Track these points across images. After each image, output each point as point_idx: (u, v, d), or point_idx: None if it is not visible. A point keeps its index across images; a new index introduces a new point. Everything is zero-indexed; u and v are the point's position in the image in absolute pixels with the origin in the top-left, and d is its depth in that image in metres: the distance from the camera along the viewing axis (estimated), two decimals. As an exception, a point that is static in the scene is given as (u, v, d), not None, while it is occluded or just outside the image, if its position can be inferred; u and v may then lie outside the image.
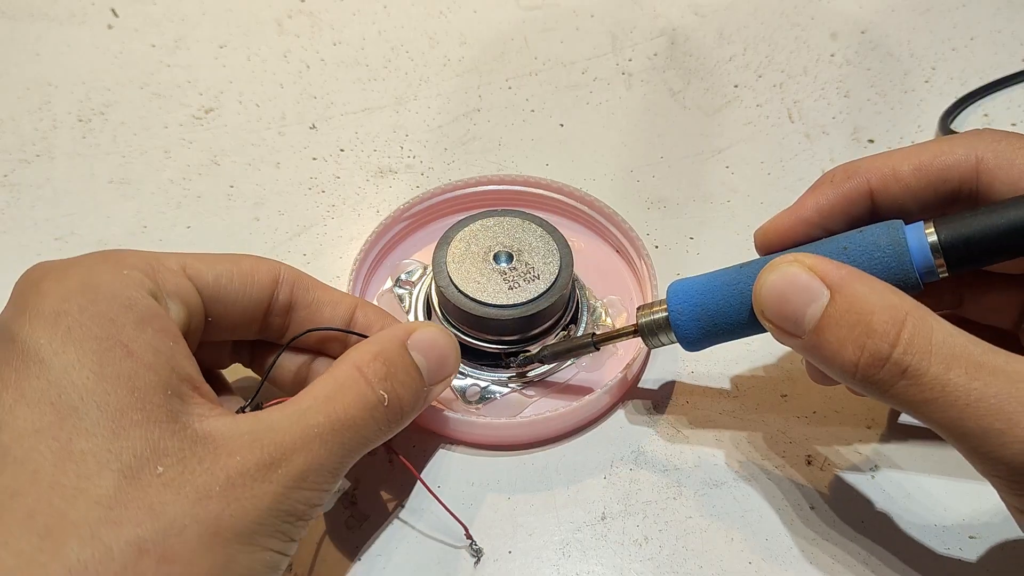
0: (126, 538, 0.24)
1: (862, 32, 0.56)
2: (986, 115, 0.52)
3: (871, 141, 0.51)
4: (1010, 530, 0.35)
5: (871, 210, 0.33)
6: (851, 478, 0.37)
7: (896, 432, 0.38)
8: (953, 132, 0.49)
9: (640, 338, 0.36)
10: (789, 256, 0.30)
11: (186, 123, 0.51)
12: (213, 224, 0.46)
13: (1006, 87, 0.53)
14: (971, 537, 0.35)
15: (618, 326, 0.41)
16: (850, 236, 0.31)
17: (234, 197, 0.48)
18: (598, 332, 0.37)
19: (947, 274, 0.30)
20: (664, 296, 0.35)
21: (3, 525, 0.24)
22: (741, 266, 0.33)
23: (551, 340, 0.39)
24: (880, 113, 0.52)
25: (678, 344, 0.35)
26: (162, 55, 0.55)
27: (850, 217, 0.33)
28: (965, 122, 0.51)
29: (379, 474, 0.37)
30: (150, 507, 0.25)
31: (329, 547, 0.35)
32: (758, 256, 0.35)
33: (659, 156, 0.50)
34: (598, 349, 0.37)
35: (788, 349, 0.41)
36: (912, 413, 0.28)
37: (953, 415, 0.27)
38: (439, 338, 0.33)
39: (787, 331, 0.30)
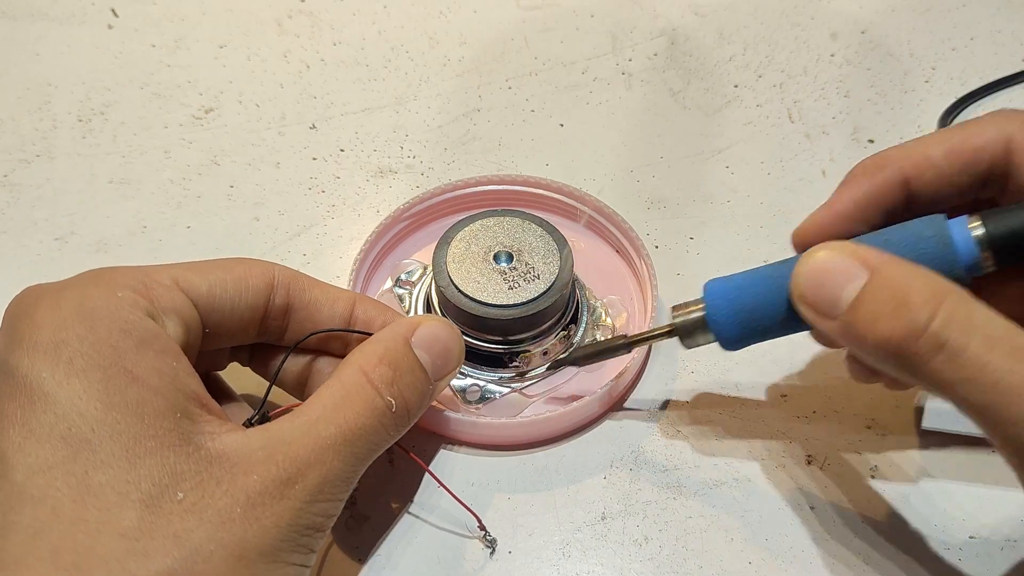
0: (155, 569, 0.24)
1: (862, 32, 0.56)
2: (986, 115, 0.52)
3: (871, 141, 0.51)
4: (1010, 530, 0.35)
5: (906, 199, 0.33)
6: (851, 478, 0.37)
7: (896, 432, 0.38)
8: None
9: (677, 339, 0.35)
10: (829, 243, 0.30)
11: (186, 123, 0.51)
12: (213, 224, 0.46)
13: (1006, 87, 0.53)
14: (971, 537, 0.35)
15: (617, 326, 0.41)
16: (891, 231, 0.31)
17: (234, 197, 0.48)
18: (631, 334, 0.37)
19: (994, 268, 0.30)
20: (689, 302, 0.34)
21: (30, 566, 0.24)
22: (779, 262, 0.33)
23: (551, 340, 0.39)
24: (880, 113, 0.52)
25: (716, 345, 0.34)
26: (162, 55, 0.55)
27: (886, 209, 0.33)
28: (965, 122, 0.52)
29: (379, 474, 0.37)
30: (175, 535, 0.25)
31: (330, 548, 0.35)
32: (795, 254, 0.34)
33: (659, 156, 0.50)
34: (630, 351, 0.37)
35: (788, 350, 0.41)
36: (946, 394, 0.27)
37: (991, 399, 0.26)
38: (442, 332, 0.33)
39: (823, 313, 0.29)
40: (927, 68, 0.54)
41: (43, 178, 0.48)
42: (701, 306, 0.34)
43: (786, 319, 0.32)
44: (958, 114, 0.51)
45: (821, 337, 0.36)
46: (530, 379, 0.39)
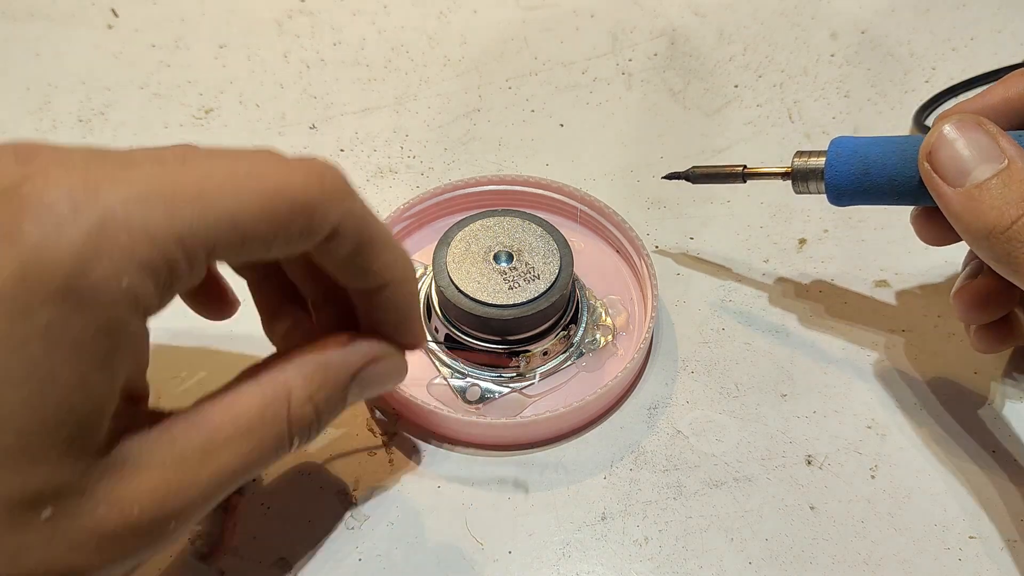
0: None
1: (862, 32, 0.56)
2: (986, 115, 0.52)
3: (871, 141, 0.51)
4: (1010, 530, 0.35)
5: None
6: (851, 478, 0.37)
7: (896, 432, 0.38)
8: (927, 127, 0.49)
9: (790, 181, 0.37)
10: (977, 116, 0.31)
11: (186, 123, 0.51)
12: (213, 224, 0.46)
13: (999, 78, 0.53)
14: (971, 537, 0.35)
15: (617, 325, 0.41)
16: None
17: (234, 197, 0.48)
18: (749, 167, 0.39)
19: None
20: (813, 150, 0.36)
21: None
22: (908, 136, 0.35)
23: (551, 339, 0.39)
24: (880, 113, 0.52)
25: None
26: (162, 55, 0.55)
27: None
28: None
29: (379, 474, 0.37)
30: (15, 551, 0.22)
31: (329, 548, 0.35)
32: None
33: (659, 156, 0.50)
34: (744, 181, 0.39)
35: (788, 349, 0.41)
36: None
37: None
38: (389, 379, 0.30)
39: (947, 179, 0.30)
40: (927, 68, 0.54)
41: (43, 178, 0.48)
42: (823, 155, 0.36)
43: (901, 185, 0.33)
44: (933, 111, 0.51)
45: (922, 226, 0.37)
46: (530, 379, 0.39)
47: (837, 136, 0.36)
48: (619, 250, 0.44)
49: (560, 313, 0.40)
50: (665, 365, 0.41)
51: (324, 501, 0.36)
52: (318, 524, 0.36)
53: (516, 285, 0.38)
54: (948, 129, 0.31)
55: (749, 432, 0.38)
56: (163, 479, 0.24)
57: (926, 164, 0.31)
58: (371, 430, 0.38)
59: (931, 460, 0.37)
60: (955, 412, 0.39)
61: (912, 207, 0.37)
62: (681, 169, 0.42)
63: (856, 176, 0.35)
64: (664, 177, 0.43)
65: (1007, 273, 0.29)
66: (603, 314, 0.42)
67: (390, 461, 0.37)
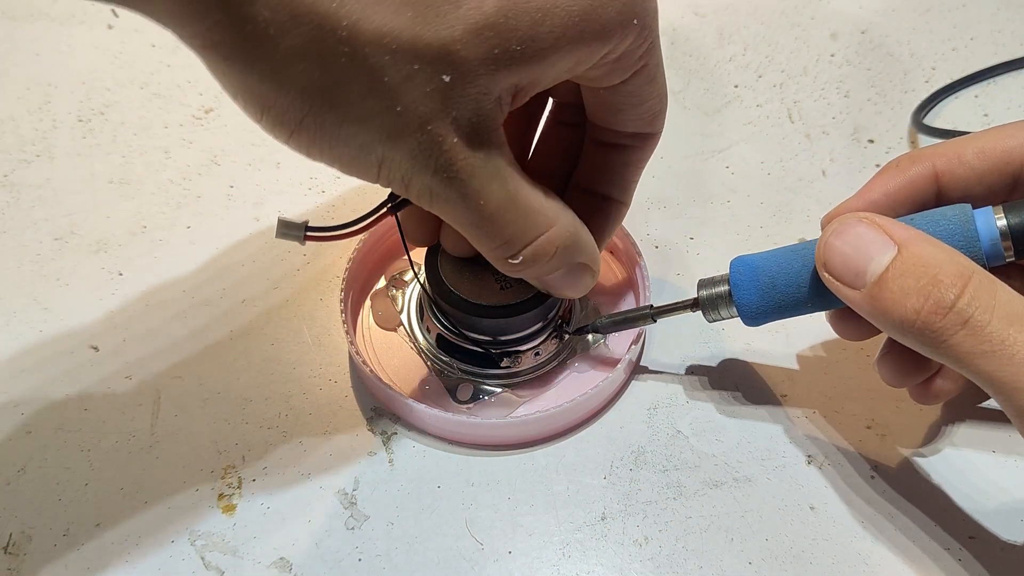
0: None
1: (862, 32, 0.56)
2: (986, 115, 0.52)
3: (871, 141, 0.51)
4: (1010, 530, 0.35)
5: (937, 194, 0.33)
6: (850, 478, 0.37)
7: (895, 433, 0.38)
8: (925, 125, 0.50)
9: (700, 312, 0.36)
10: (858, 213, 0.31)
11: (186, 123, 0.51)
12: (213, 224, 0.46)
13: (997, 75, 0.53)
14: (970, 538, 0.35)
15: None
16: (917, 216, 0.32)
17: (234, 197, 0.48)
18: (656, 305, 0.38)
19: (1013, 259, 0.31)
20: (715, 276, 0.36)
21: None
22: (805, 242, 0.34)
23: (542, 340, 0.39)
24: (880, 113, 0.52)
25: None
26: (162, 55, 0.55)
27: (916, 201, 0.34)
28: (960, 116, 0.51)
29: (379, 474, 0.37)
30: None
31: (329, 548, 0.35)
32: None
33: (659, 156, 0.50)
34: (655, 321, 0.38)
35: (788, 350, 0.41)
36: (964, 367, 0.28)
37: (1010, 371, 0.27)
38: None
39: (848, 283, 0.30)
40: (927, 68, 0.54)
41: (43, 178, 0.48)
42: (726, 280, 0.35)
43: (808, 296, 0.33)
44: (931, 108, 0.51)
45: (840, 326, 0.36)
46: (521, 379, 0.39)
47: (735, 257, 0.35)
48: (612, 251, 0.44)
49: (552, 313, 0.39)
50: (665, 365, 0.41)
51: (324, 501, 0.36)
52: (318, 524, 0.36)
53: (508, 285, 0.38)
54: (833, 234, 0.31)
55: (749, 432, 0.38)
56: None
57: (825, 273, 0.31)
58: (371, 430, 0.38)
59: (931, 460, 0.37)
60: (955, 412, 0.39)
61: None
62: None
63: (764, 291, 0.34)
64: (571, 333, 0.40)
65: (931, 356, 0.29)
66: (598, 314, 0.42)
67: (390, 461, 0.37)
